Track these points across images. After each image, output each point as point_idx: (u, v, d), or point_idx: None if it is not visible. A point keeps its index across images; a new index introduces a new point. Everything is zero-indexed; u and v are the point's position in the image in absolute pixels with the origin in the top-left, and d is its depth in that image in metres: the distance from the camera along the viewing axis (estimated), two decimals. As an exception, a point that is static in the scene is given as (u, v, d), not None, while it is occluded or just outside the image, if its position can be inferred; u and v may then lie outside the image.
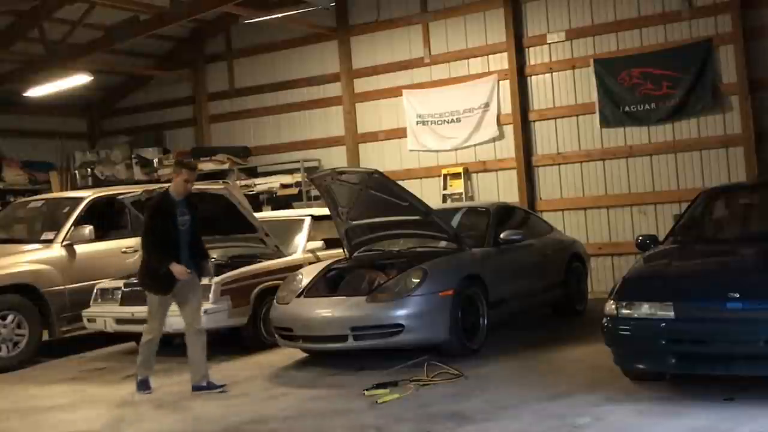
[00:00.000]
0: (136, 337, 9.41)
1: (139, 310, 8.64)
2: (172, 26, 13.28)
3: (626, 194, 11.97)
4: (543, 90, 12.52)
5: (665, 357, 5.85)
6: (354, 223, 8.74)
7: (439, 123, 13.19)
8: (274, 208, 13.11)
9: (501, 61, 12.68)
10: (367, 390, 6.67)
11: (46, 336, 9.36)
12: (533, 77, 12.58)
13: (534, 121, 12.60)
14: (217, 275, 8.38)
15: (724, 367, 5.71)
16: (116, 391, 7.56)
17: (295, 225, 10.10)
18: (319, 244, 9.79)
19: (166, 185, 9.67)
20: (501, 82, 12.68)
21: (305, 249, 9.74)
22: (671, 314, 5.80)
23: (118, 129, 16.78)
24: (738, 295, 5.67)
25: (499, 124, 12.74)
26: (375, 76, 13.83)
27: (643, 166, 11.83)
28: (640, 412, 5.64)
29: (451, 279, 7.85)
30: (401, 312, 7.51)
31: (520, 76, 12.55)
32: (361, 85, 13.99)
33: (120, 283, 9.10)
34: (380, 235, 8.91)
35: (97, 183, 14.91)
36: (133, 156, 15.20)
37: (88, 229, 9.57)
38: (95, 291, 9.22)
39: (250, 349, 8.85)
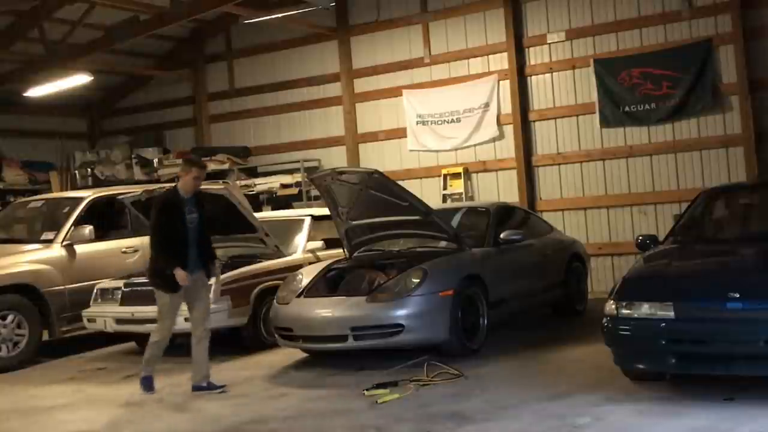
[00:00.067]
0: (136, 337, 9.47)
1: (139, 310, 8.68)
2: (172, 26, 13.28)
3: (626, 194, 11.97)
4: (543, 90, 12.53)
5: (665, 357, 5.84)
6: (354, 223, 8.73)
7: (439, 123, 13.20)
8: (274, 208, 13.11)
9: (501, 61, 12.69)
10: (367, 390, 6.67)
11: (46, 336, 9.36)
12: (533, 77, 12.58)
13: (534, 121, 12.60)
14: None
15: (724, 367, 5.71)
16: (116, 391, 7.56)
17: (295, 225, 10.10)
18: (319, 244, 9.79)
19: (167, 185, 9.68)
20: (501, 82, 12.68)
21: (305, 249, 9.74)
22: (671, 314, 5.80)
23: (118, 129, 16.79)
24: (738, 295, 5.67)
25: (499, 124, 12.74)
26: (375, 76, 13.83)
27: (643, 166, 11.83)
28: (640, 412, 5.64)
29: (451, 279, 7.85)
30: (401, 312, 7.51)
31: (520, 76, 12.55)
32: (361, 85, 13.99)
33: (120, 283, 9.09)
34: (380, 235, 8.90)
35: (97, 183, 14.91)
36: (133, 156, 15.20)
37: (88, 229, 9.57)
38: (95, 291, 9.21)
39: (250, 349, 8.85)
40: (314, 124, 14.54)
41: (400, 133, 13.58)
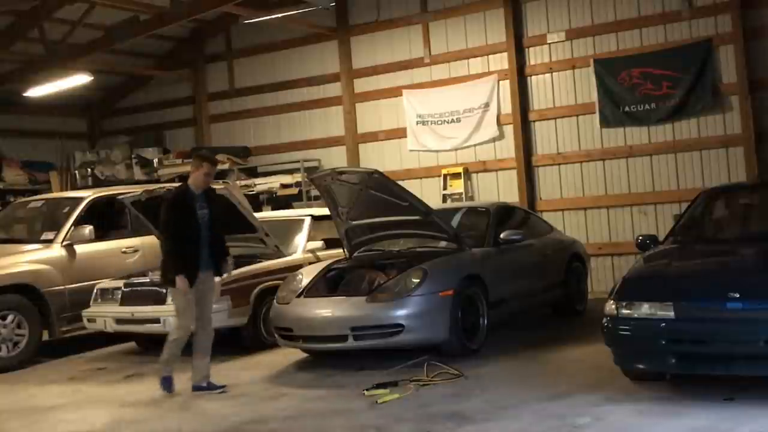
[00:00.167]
0: (136, 337, 9.48)
1: (139, 310, 8.69)
2: (172, 26, 13.28)
3: (626, 194, 11.97)
4: (543, 90, 12.52)
5: (665, 357, 5.84)
6: (354, 223, 8.73)
7: (439, 123, 13.19)
8: (274, 208, 13.11)
9: (501, 61, 12.69)
10: (367, 390, 6.67)
11: (46, 336, 9.36)
12: (533, 77, 12.58)
13: (534, 121, 12.60)
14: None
15: (724, 367, 5.71)
16: (116, 391, 7.56)
17: (295, 225, 10.10)
18: (319, 244, 9.78)
19: (167, 185, 9.68)
20: (501, 82, 12.68)
21: (305, 249, 9.73)
22: (671, 314, 5.80)
23: (118, 129, 16.78)
24: (738, 295, 5.67)
25: (499, 124, 12.74)
26: (375, 76, 13.83)
27: (643, 166, 11.83)
28: (640, 412, 5.64)
29: (451, 279, 7.84)
30: (401, 312, 7.50)
31: (520, 76, 12.55)
32: (361, 85, 13.99)
33: (120, 283, 9.10)
34: (380, 235, 8.90)
35: (97, 183, 14.90)
36: (133, 156, 15.19)
37: (88, 229, 9.57)
38: (95, 291, 9.22)
39: (250, 349, 8.84)
40: (314, 124, 14.54)
41: (400, 133, 13.58)
